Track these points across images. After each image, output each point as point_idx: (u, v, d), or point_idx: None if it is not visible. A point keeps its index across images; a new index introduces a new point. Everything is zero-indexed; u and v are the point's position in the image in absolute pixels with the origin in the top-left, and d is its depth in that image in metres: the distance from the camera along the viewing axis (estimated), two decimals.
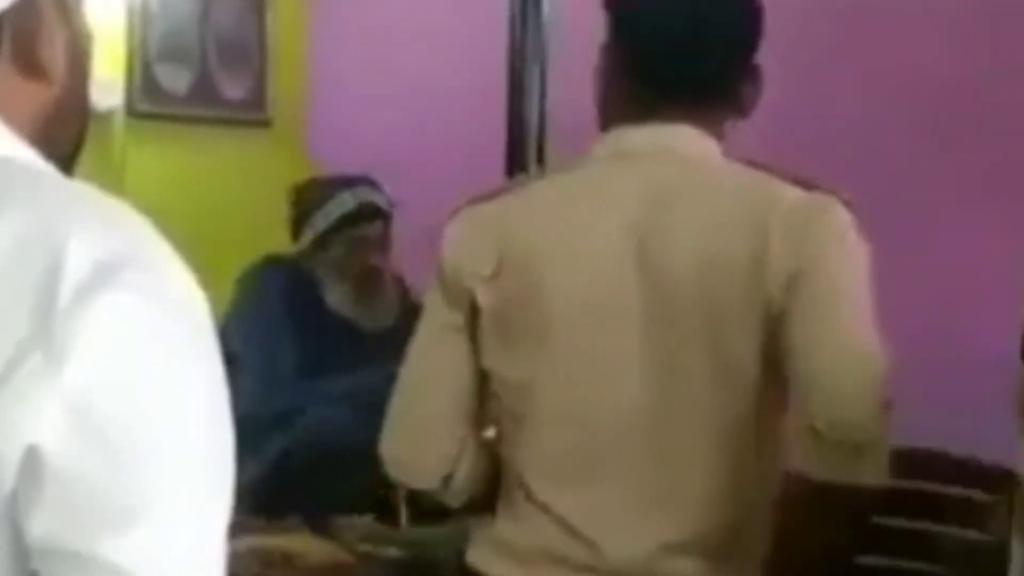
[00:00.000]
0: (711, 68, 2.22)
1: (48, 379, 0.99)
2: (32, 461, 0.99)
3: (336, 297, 3.40)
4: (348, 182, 3.48)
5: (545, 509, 2.12)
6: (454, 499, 2.29)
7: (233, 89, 4.92)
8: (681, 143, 2.20)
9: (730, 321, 2.08)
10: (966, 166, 4.26)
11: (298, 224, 3.50)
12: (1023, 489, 3.57)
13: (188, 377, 1.05)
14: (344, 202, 3.42)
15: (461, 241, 2.23)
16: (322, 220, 3.44)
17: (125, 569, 0.98)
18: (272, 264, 3.51)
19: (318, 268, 3.44)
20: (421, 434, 2.24)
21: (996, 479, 3.57)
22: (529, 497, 2.14)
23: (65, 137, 1.21)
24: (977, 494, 3.58)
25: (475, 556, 2.22)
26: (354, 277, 3.40)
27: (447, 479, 2.23)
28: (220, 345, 1.09)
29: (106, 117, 4.44)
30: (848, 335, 2.12)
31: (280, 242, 3.66)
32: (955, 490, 3.63)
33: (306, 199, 3.50)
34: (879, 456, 2.18)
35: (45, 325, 0.99)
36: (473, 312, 2.17)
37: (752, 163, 2.20)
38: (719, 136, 2.25)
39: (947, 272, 4.24)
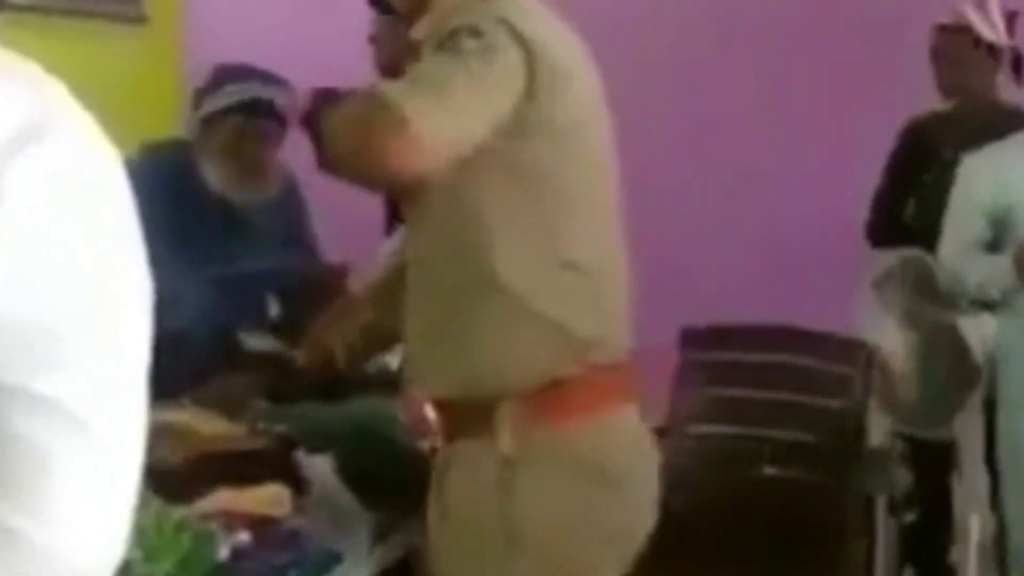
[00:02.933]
0: None
1: None
2: None
3: (215, 178, 3.44)
4: (264, 77, 3.48)
5: None
6: None
7: None
8: None
9: None
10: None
11: (194, 104, 3.52)
12: (880, 360, 3.77)
13: (111, 227, 1.13)
14: (234, 93, 3.43)
15: None
16: (211, 104, 3.46)
17: (51, 398, 1.08)
18: (149, 149, 3.53)
19: (202, 149, 3.47)
20: None
21: (852, 351, 3.76)
22: None
23: None
24: (837, 366, 3.76)
25: None
26: (236, 164, 3.44)
27: None
28: None
29: None
30: None
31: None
32: (814, 362, 3.79)
33: (209, 81, 3.51)
34: None
35: None
36: None
37: None
38: None
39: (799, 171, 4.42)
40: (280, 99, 3.47)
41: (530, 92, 2.05)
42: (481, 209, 2.11)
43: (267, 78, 3.53)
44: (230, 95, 3.48)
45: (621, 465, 2.16)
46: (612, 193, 2.25)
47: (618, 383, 2.22)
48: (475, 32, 2.04)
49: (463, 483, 2.15)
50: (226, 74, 3.57)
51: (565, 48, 2.17)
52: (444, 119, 2.00)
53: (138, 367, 1.15)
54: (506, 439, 2.07)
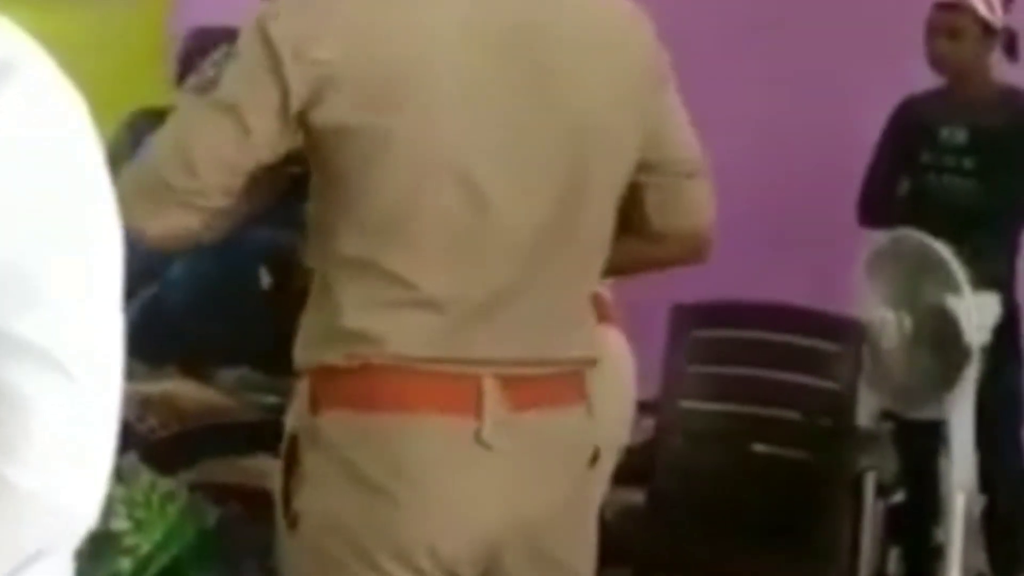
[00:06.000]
0: None
1: None
2: None
3: None
4: None
5: None
6: None
7: None
8: None
9: None
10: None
11: (183, 70, 3.48)
12: (871, 340, 3.78)
13: (78, 166, 1.14)
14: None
15: None
16: (210, 67, 3.41)
17: (30, 341, 1.09)
18: (144, 114, 3.51)
19: None
20: None
21: (843, 330, 3.76)
22: None
23: None
24: (829, 345, 3.76)
25: None
26: None
27: None
28: None
29: None
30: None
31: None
32: (804, 340, 3.80)
33: (192, 48, 3.47)
34: None
35: None
36: None
37: None
38: None
39: (792, 151, 4.41)
40: None
41: (294, 91, 2.01)
42: (314, 189, 2.07)
43: None
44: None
45: (393, 475, 1.95)
46: (449, 201, 1.97)
47: (410, 389, 1.96)
48: (228, 53, 2.10)
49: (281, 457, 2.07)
50: (211, 40, 3.53)
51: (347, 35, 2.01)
52: (139, 196, 1.94)
53: (114, 306, 1.15)
54: (292, 418, 1.98)
